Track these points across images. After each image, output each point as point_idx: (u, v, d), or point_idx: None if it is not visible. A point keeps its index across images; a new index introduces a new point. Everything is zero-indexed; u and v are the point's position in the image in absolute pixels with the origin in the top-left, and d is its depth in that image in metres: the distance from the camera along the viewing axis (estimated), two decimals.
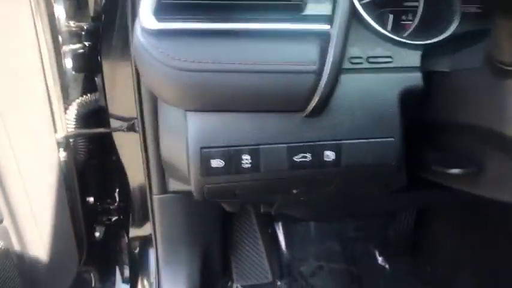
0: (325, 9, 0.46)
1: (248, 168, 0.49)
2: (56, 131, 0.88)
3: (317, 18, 0.46)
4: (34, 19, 0.76)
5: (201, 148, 0.50)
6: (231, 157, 0.49)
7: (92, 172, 1.06)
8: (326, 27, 0.47)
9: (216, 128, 0.50)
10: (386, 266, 1.34)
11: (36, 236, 0.88)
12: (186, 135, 0.49)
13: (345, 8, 0.45)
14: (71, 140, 0.93)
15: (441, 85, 0.51)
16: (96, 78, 0.99)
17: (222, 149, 0.49)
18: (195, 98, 0.47)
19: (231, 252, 1.24)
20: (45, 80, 0.83)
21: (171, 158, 0.57)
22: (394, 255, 1.34)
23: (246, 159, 0.49)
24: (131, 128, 0.96)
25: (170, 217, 0.97)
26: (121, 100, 0.97)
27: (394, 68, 0.51)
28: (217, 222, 1.07)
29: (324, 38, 0.47)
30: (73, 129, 0.95)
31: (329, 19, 0.47)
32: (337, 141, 0.49)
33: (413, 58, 0.52)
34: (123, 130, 0.96)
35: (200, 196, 0.53)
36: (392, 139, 0.50)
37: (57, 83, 0.87)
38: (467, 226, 1.12)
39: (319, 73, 0.47)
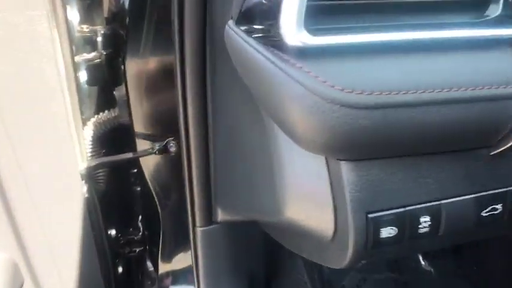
0: None
1: (425, 232, 0.37)
2: (79, 161, 0.72)
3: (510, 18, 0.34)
4: (51, 29, 0.60)
5: (367, 214, 0.37)
6: (406, 222, 0.36)
7: (113, 200, 0.91)
8: None
9: (385, 183, 0.36)
10: (432, 270, 1.27)
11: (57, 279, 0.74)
12: (341, 194, 0.35)
13: None
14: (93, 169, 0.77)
15: None
16: (114, 92, 0.83)
17: (395, 211, 0.36)
18: (363, 144, 0.34)
19: (271, 272, 1.13)
20: (65, 102, 0.67)
21: (294, 217, 0.42)
22: (438, 257, 1.27)
23: (425, 222, 0.36)
24: (164, 150, 0.82)
25: (215, 249, 0.84)
26: (150, 117, 0.82)
27: None
28: (260, 249, 0.95)
29: None
30: (91, 153, 0.80)
31: None
32: None
33: None
34: (154, 153, 0.81)
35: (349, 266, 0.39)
36: None
37: (75, 104, 0.71)
38: None
39: None
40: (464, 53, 0.33)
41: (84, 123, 0.80)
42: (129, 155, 0.79)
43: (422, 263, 1.24)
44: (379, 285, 1.18)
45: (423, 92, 0.31)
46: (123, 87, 0.82)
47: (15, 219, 0.66)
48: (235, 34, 0.37)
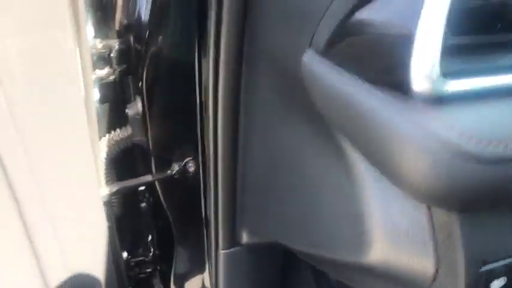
0: None
1: None
2: (100, 188, 0.68)
3: None
4: (75, 48, 0.56)
5: (481, 267, 0.34)
6: None
7: (126, 222, 0.86)
8: None
9: (496, 234, 0.35)
10: None
11: None
12: (453, 247, 0.33)
13: None
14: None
15: None
16: (127, 110, 0.78)
17: (506, 262, 0.35)
18: (485, 198, 0.32)
19: None
20: (86, 123, 0.62)
21: (394, 264, 0.40)
22: None
23: None
24: (184, 172, 0.78)
25: (237, 271, 0.81)
26: (167, 136, 0.78)
27: None
28: (280, 271, 0.93)
29: None
30: (106, 175, 0.75)
31: None
32: None
33: None
34: (173, 176, 0.77)
35: None
36: None
37: (95, 125, 0.66)
38: None
39: None
40: None
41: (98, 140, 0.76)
42: (148, 177, 0.75)
43: None
44: None
45: None
46: (136, 104, 0.77)
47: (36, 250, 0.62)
48: (326, 71, 0.34)
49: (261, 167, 0.64)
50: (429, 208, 0.33)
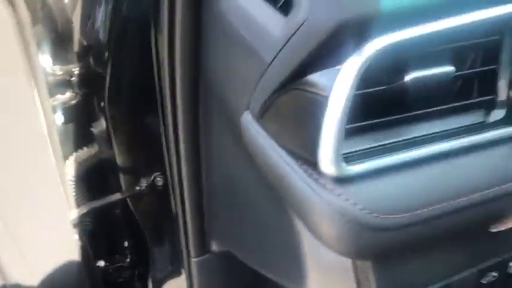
0: None
1: None
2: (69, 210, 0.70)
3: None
4: (28, 79, 0.57)
5: None
6: None
7: (101, 235, 0.89)
8: None
9: (405, 275, 0.40)
10: None
11: None
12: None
13: None
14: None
15: None
16: (92, 129, 0.80)
17: None
18: (390, 253, 0.36)
19: None
20: (49, 149, 0.64)
21: None
22: None
23: None
24: (151, 186, 0.81)
25: (210, 278, 0.86)
26: (134, 152, 0.80)
27: None
28: (250, 278, 0.98)
29: None
30: (75, 194, 0.77)
31: None
32: None
33: None
34: (142, 191, 0.80)
35: None
36: None
37: (59, 150, 0.68)
38: None
39: None
40: (476, 156, 0.36)
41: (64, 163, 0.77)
42: (117, 195, 0.77)
43: None
44: None
45: (443, 204, 0.34)
46: (100, 123, 0.79)
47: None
48: (257, 135, 0.37)
49: (222, 183, 0.67)
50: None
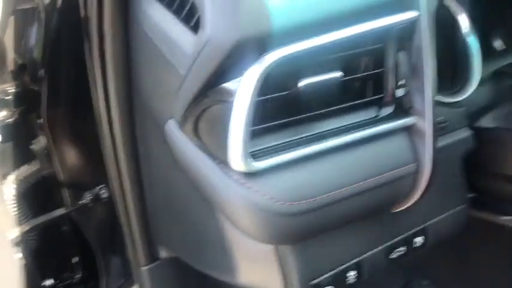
0: (406, 102, 0.43)
1: (353, 282, 0.46)
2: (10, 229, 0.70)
3: (400, 112, 0.43)
4: None
5: (310, 282, 0.44)
6: (339, 279, 0.45)
7: (47, 251, 0.88)
8: (411, 119, 0.44)
9: (320, 255, 0.45)
10: None
11: None
12: (289, 269, 0.42)
13: (430, 99, 0.42)
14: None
15: (490, 140, 0.53)
16: (32, 146, 0.80)
17: (330, 274, 0.45)
18: (301, 236, 0.41)
19: None
20: None
21: (257, 284, 0.48)
22: None
23: (352, 275, 0.45)
24: (96, 199, 0.82)
25: (161, 284, 0.87)
26: (76, 166, 0.80)
27: (451, 131, 0.51)
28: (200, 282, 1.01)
29: (413, 131, 0.44)
30: (18, 213, 0.77)
31: (414, 110, 0.43)
32: (425, 225, 0.49)
33: (461, 117, 0.53)
34: (87, 204, 0.81)
35: None
36: (465, 206, 0.52)
37: None
38: None
39: (419, 170, 0.44)
40: (370, 147, 0.42)
41: (3, 182, 0.77)
42: (61, 211, 0.77)
43: None
44: None
45: (340, 190, 0.39)
46: (40, 139, 0.79)
47: None
48: (179, 140, 0.41)
49: (162, 190, 0.70)
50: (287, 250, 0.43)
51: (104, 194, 0.83)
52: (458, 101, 0.54)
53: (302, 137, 0.39)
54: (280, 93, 0.37)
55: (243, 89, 0.34)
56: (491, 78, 0.62)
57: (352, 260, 0.47)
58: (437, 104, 0.53)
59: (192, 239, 0.61)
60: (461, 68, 0.59)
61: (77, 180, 0.81)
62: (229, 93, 0.35)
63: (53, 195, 0.84)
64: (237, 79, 0.35)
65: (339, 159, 0.40)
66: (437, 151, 0.44)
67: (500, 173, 0.55)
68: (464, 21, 0.61)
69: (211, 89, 0.37)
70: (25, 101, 0.75)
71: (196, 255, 0.61)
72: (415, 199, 0.45)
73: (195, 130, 0.40)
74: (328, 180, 0.39)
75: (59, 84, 0.72)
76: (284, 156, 0.37)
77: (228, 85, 0.36)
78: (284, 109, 0.38)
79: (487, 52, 0.68)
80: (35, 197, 0.81)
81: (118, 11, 0.52)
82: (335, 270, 0.46)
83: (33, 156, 0.81)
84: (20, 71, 0.75)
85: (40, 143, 0.79)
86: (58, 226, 0.87)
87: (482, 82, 0.63)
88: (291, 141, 0.38)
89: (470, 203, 0.59)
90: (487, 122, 0.55)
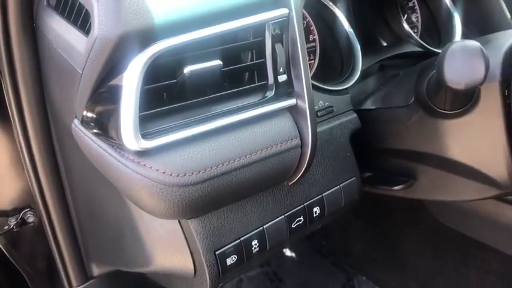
0: (287, 86, 0.49)
1: (257, 251, 0.50)
2: None
3: (282, 95, 0.49)
4: None
5: (215, 251, 0.47)
6: (242, 248, 0.49)
7: None
8: (292, 101, 0.50)
9: (222, 226, 0.48)
10: (293, 255, 1.48)
11: None
12: (194, 242, 0.46)
13: (304, 83, 0.49)
14: None
15: (372, 120, 0.61)
16: None
17: (233, 244, 0.49)
18: (198, 207, 0.45)
19: None
20: None
21: (171, 266, 0.51)
22: (297, 244, 1.49)
23: (255, 244, 0.49)
24: (22, 223, 0.80)
25: None
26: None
27: (337, 114, 0.58)
28: None
29: (295, 111, 0.50)
30: None
31: (295, 94, 0.50)
32: (320, 196, 0.54)
33: (346, 102, 0.60)
34: (12, 229, 0.79)
35: None
36: (354, 178, 0.58)
37: None
38: None
39: (302, 144, 0.50)
40: (256, 125, 0.48)
41: None
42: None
43: (284, 251, 1.45)
44: (254, 280, 1.35)
45: (227, 163, 0.44)
46: None
47: None
48: (83, 135, 0.44)
49: (88, 206, 0.71)
50: (178, 220, 0.47)
51: (30, 218, 0.82)
52: (344, 89, 0.62)
53: (192, 119, 0.43)
54: (171, 81, 0.42)
55: (129, 77, 0.38)
56: (376, 70, 0.71)
57: (254, 230, 0.51)
58: (325, 91, 0.61)
59: (115, 241, 0.62)
60: (347, 62, 0.67)
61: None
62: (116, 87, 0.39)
63: None
64: (120, 74, 0.40)
65: (227, 137, 0.46)
66: (315, 133, 0.50)
67: (385, 148, 0.63)
68: (346, 24, 0.71)
69: (106, 84, 0.40)
70: None
71: (120, 256, 0.63)
72: (303, 170, 0.51)
73: (95, 123, 0.43)
74: (216, 155, 0.44)
75: None
76: (174, 135, 0.42)
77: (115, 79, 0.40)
78: (176, 95, 0.43)
79: (372, 48, 0.78)
80: None
81: (23, 26, 0.55)
82: (238, 240, 0.50)
83: None
84: None
85: None
86: None
87: (369, 73, 0.73)
88: (181, 122, 0.43)
89: (369, 181, 0.67)
90: (368, 104, 0.63)
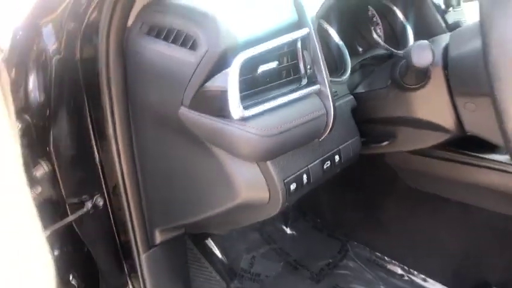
0: (313, 77, 0.76)
1: (305, 183, 0.76)
2: None
3: (310, 83, 0.76)
4: None
5: (284, 180, 0.74)
6: (298, 179, 0.75)
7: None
8: (317, 87, 0.77)
9: (287, 165, 0.74)
10: (294, 232, 1.72)
11: None
12: (271, 177, 0.71)
13: (324, 76, 0.76)
14: None
15: (363, 99, 0.89)
16: (35, 172, 0.97)
17: (294, 175, 0.75)
18: (275, 151, 0.71)
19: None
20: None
21: (252, 197, 0.75)
22: (295, 223, 1.73)
23: (305, 177, 0.76)
24: (95, 207, 1.01)
25: (158, 268, 1.08)
26: (77, 183, 0.99)
27: (340, 96, 0.86)
28: (185, 264, 1.22)
29: (320, 94, 0.77)
30: None
31: (318, 81, 0.76)
32: (338, 148, 0.81)
33: (345, 89, 0.88)
34: (88, 212, 1.00)
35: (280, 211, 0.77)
36: (357, 137, 0.86)
37: None
38: None
39: (327, 114, 0.77)
40: (300, 102, 0.74)
41: None
42: (69, 219, 0.95)
43: (286, 230, 1.69)
44: (265, 256, 1.57)
45: (290, 123, 0.70)
46: (43, 166, 0.97)
47: None
48: (193, 115, 0.69)
49: (158, 180, 0.93)
50: (257, 164, 0.72)
51: (100, 202, 1.03)
52: (341, 80, 0.90)
53: (266, 97, 0.70)
54: (252, 75, 0.68)
55: (232, 74, 0.64)
56: (358, 68, 1.00)
57: (304, 168, 0.78)
58: (332, 82, 0.89)
59: (186, 201, 0.86)
60: (341, 62, 0.96)
61: (77, 194, 1.00)
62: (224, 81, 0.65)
63: (55, 211, 1.01)
64: (224, 71, 0.65)
65: (287, 108, 0.72)
66: (335, 107, 0.77)
67: (373, 118, 0.91)
68: (337, 38, 0.99)
69: (210, 80, 0.66)
70: (30, 136, 0.94)
71: (191, 211, 0.86)
72: (328, 131, 0.78)
73: (202, 105, 0.68)
74: (284, 118, 0.71)
75: (61, 118, 0.93)
76: (259, 107, 0.68)
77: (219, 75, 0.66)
78: (254, 83, 0.70)
79: (353, 53, 1.07)
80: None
81: (118, 50, 0.78)
82: (295, 174, 0.76)
83: (35, 182, 0.98)
84: (22, 111, 0.94)
85: (43, 169, 0.97)
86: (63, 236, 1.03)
87: (354, 70, 1.01)
88: (261, 100, 0.69)
89: (364, 143, 0.95)
90: (360, 89, 0.91)
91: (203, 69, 0.65)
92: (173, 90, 0.70)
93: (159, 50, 0.72)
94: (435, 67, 0.79)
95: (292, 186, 0.75)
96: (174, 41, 0.70)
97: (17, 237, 0.49)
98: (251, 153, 0.70)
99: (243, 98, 0.66)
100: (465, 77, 0.79)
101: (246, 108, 0.67)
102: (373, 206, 1.54)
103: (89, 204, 1.00)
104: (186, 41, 0.68)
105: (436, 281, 1.43)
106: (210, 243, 1.52)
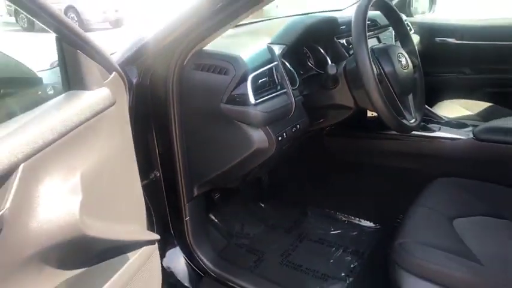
0: (283, 85, 1.48)
1: (285, 137, 1.46)
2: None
3: (282, 88, 1.48)
4: None
5: (276, 135, 1.40)
6: (282, 134, 1.42)
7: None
8: (285, 90, 1.46)
9: (276, 127, 1.40)
10: (269, 206, 2.35)
11: None
12: (269, 133, 1.40)
13: (288, 85, 1.49)
14: None
15: (307, 97, 1.62)
16: None
17: (280, 132, 1.42)
18: (271, 121, 1.35)
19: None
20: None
21: (260, 144, 1.42)
22: (269, 198, 2.38)
23: (285, 134, 1.46)
24: (154, 177, 1.63)
25: (196, 214, 1.68)
26: (146, 160, 1.60)
27: (296, 96, 1.57)
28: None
29: (286, 93, 1.47)
30: None
31: (285, 87, 1.48)
32: (298, 121, 1.56)
33: (297, 92, 1.60)
34: (152, 179, 1.61)
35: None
36: (306, 117, 1.58)
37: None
38: None
39: (291, 104, 1.47)
40: (281, 95, 1.45)
41: None
42: (145, 181, 1.56)
43: (262, 205, 2.34)
44: (251, 223, 2.16)
45: (279, 106, 1.41)
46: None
47: None
48: (229, 107, 1.35)
49: (199, 151, 1.54)
50: (261, 129, 1.40)
51: (157, 174, 1.64)
52: (295, 88, 1.61)
53: (263, 95, 1.39)
54: (255, 84, 1.38)
55: (249, 84, 1.32)
56: (303, 81, 1.75)
57: (284, 130, 1.42)
58: (292, 89, 1.61)
59: (221, 158, 1.51)
60: (293, 79, 1.66)
61: (146, 167, 1.61)
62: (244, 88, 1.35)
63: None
64: (243, 83, 1.36)
65: (272, 100, 1.41)
66: (295, 101, 1.51)
67: (312, 106, 1.64)
68: (289, 66, 1.71)
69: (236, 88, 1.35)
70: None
71: (224, 163, 1.50)
72: (292, 112, 1.46)
73: (234, 101, 1.37)
74: (272, 105, 1.38)
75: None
76: (261, 99, 1.34)
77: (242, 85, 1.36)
78: (257, 88, 1.38)
79: (299, 73, 1.81)
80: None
81: (179, 80, 1.45)
82: (280, 132, 1.40)
83: None
84: None
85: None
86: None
87: (301, 82, 1.74)
88: (272, 91, 1.39)
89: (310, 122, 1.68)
90: (305, 92, 1.65)
91: (233, 84, 1.31)
92: (215, 95, 1.38)
93: (203, 77, 1.40)
94: (341, 75, 1.56)
95: (280, 138, 1.40)
96: (213, 71, 1.37)
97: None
98: (259, 123, 1.35)
99: (254, 95, 1.36)
100: (354, 79, 1.45)
101: (256, 99, 1.34)
102: (321, 178, 2.19)
103: (152, 174, 1.62)
104: (221, 71, 1.37)
105: (365, 219, 2.14)
106: (213, 217, 2.16)
